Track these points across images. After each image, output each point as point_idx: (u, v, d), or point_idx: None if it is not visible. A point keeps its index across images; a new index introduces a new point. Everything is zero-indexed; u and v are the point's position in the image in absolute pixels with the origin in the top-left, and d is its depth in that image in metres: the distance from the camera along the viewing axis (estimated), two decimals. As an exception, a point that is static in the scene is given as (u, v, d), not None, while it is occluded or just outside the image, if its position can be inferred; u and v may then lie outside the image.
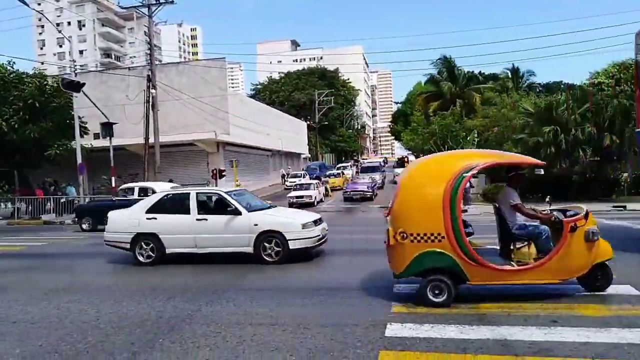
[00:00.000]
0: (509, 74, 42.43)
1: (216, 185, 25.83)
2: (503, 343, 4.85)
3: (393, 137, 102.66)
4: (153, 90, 23.63)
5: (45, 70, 34.04)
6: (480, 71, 50.17)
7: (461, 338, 5.04)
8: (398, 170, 39.11)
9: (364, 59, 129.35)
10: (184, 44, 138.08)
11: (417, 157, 47.01)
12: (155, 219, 10.09)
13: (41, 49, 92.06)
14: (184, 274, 9.23)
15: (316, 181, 29.51)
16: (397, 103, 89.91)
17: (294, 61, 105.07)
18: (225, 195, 10.19)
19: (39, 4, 65.46)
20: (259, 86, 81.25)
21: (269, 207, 10.94)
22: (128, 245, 10.20)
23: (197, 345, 5.23)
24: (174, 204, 10.53)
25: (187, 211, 10.01)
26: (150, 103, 23.59)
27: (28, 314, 6.71)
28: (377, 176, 35.09)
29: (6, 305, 7.28)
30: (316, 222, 10.12)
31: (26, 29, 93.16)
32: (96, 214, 16.98)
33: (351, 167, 50.38)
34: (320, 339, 5.25)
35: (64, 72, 33.87)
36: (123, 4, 29.92)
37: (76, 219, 18.68)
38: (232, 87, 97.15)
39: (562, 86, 45.90)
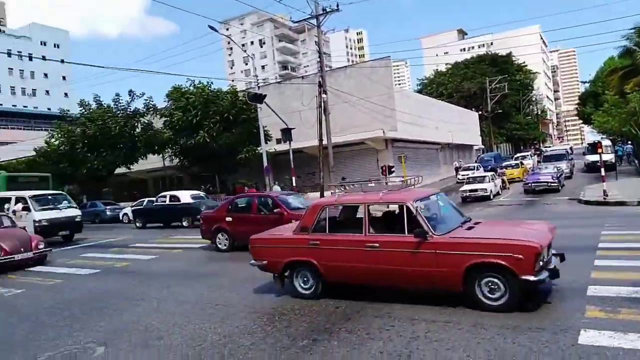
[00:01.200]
0: None
1: (386, 182, 26.13)
2: None
3: (581, 121, 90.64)
4: (324, 95, 25.05)
5: (236, 86, 38.87)
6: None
7: (681, 353, 4.21)
8: (590, 157, 34.32)
9: (542, 38, 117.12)
10: (351, 49, 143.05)
11: (612, 141, 40.68)
12: None
13: (231, 68, 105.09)
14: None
15: (491, 173, 27.68)
16: (584, 82, 78.70)
17: (461, 50, 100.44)
18: None
19: (227, 29, 74.75)
20: (425, 80, 79.79)
21: None
22: None
23: (372, 337, 5.37)
24: None
25: None
26: (322, 107, 25.04)
27: (228, 299, 7.71)
28: (564, 165, 31.27)
29: (211, 291, 8.47)
30: None
31: (218, 53, 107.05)
32: (144, 215, 22.80)
33: (531, 156, 45.96)
34: (500, 341, 4.91)
35: (250, 87, 38.10)
36: (294, 19, 32.43)
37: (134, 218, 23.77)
38: (399, 85, 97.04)
39: None
